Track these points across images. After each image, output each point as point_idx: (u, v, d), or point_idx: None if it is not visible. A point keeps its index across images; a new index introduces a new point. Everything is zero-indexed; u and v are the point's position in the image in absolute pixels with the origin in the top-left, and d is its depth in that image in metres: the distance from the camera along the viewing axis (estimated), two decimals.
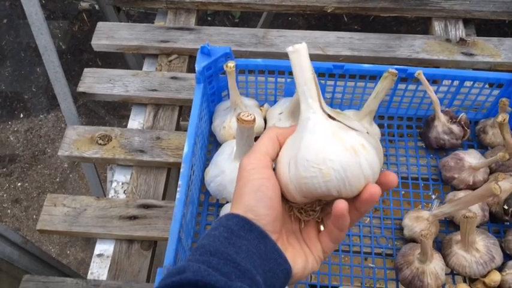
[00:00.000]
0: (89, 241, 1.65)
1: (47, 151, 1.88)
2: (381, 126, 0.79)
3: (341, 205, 0.39)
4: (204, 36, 0.95)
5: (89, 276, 0.70)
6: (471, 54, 0.90)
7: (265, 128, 0.77)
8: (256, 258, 0.38)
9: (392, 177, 0.41)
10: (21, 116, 1.94)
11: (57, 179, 1.84)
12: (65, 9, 2.13)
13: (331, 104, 0.81)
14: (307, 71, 0.41)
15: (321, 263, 0.44)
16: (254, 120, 0.58)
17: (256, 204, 0.40)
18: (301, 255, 0.43)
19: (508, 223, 0.69)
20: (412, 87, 0.76)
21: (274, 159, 0.43)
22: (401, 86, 0.76)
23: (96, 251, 0.73)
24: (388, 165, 0.76)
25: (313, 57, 0.94)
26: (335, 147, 0.38)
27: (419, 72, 0.70)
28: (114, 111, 1.92)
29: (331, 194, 0.39)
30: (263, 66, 0.74)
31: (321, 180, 0.38)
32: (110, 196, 0.78)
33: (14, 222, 1.70)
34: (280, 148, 0.43)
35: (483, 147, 0.76)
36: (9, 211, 1.73)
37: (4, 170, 1.82)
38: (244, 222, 0.39)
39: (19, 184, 1.80)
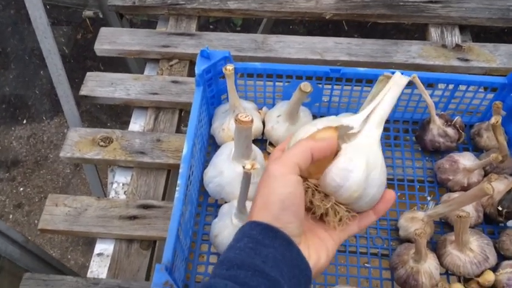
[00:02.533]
0: (90, 245, 1.66)
1: (50, 156, 1.90)
2: None
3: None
4: (204, 42, 0.97)
5: (89, 275, 0.71)
6: (467, 60, 0.91)
7: (263, 131, 0.78)
8: (283, 266, 0.38)
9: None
10: (25, 121, 1.96)
11: (60, 184, 1.85)
12: (69, 17, 2.16)
13: (328, 108, 0.82)
14: (394, 101, 0.50)
15: (339, 245, 0.46)
16: (252, 121, 0.59)
17: (283, 213, 0.40)
18: (323, 249, 0.43)
19: (502, 224, 0.70)
20: (407, 91, 0.77)
21: (303, 171, 0.43)
22: None
23: (96, 250, 0.74)
24: None
25: (311, 62, 0.96)
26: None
27: (414, 76, 0.72)
28: (116, 117, 1.94)
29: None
30: (261, 70, 0.76)
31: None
32: (110, 197, 0.79)
33: (15, 227, 1.71)
34: (313, 161, 0.43)
35: (478, 150, 0.77)
36: (11, 216, 1.75)
37: (7, 175, 1.84)
38: (268, 230, 0.39)
39: (21, 189, 1.82)
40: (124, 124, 1.91)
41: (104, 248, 0.74)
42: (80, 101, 0.92)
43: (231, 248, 0.40)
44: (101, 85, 0.91)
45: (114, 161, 0.82)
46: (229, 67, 0.70)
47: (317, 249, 0.43)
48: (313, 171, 0.46)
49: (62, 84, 0.86)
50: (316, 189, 0.45)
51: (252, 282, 0.36)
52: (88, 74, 0.93)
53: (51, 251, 1.68)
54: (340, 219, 0.45)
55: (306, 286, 0.41)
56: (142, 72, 0.99)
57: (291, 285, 0.38)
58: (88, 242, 1.65)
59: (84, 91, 0.90)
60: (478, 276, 0.62)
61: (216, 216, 0.70)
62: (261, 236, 0.39)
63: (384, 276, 0.67)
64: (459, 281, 0.65)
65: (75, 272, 1.02)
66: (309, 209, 0.46)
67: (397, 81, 0.49)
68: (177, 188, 0.62)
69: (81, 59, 2.04)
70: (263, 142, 0.80)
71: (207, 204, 0.74)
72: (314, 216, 0.46)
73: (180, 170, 0.64)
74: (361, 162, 0.44)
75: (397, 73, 0.49)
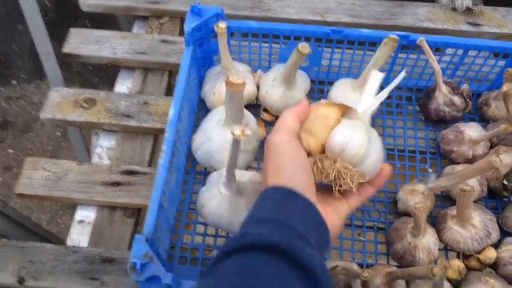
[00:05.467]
0: None
1: (40, 119, 1.84)
2: None
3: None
4: None
5: (69, 243, 0.68)
6: (477, 25, 0.85)
7: (257, 96, 0.73)
8: (308, 224, 0.41)
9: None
10: (15, 82, 1.90)
11: (50, 148, 1.81)
12: None
13: (328, 72, 0.77)
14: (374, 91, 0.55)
15: (345, 218, 0.49)
16: (244, 83, 0.55)
17: (295, 172, 0.44)
18: (334, 216, 0.46)
19: (507, 199, 0.66)
20: (413, 56, 0.72)
21: (296, 134, 0.48)
22: (402, 54, 0.72)
23: (77, 217, 0.70)
24: (385, 137, 0.73)
25: (311, 23, 0.90)
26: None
27: (422, 40, 0.67)
28: (107, 79, 1.87)
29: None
30: (257, 29, 0.70)
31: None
32: (93, 161, 0.75)
33: (4, 190, 1.68)
34: (301, 124, 0.48)
35: (485, 121, 0.73)
36: (0, 178, 1.71)
37: None
38: (290, 193, 0.42)
39: (11, 151, 1.77)
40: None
41: (85, 215, 0.70)
42: (66, 60, 0.86)
43: (256, 207, 0.42)
44: (85, 43, 0.85)
45: (97, 124, 0.77)
46: (222, 25, 0.64)
47: (328, 216, 0.45)
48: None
49: (42, 41, 0.80)
50: (320, 158, 0.48)
51: (283, 232, 0.37)
52: (72, 30, 0.87)
53: (40, 214, 1.66)
54: (352, 178, 0.47)
55: (326, 247, 0.44)
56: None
57: (316, 243, 0.40)
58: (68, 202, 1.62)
59: (67, 48, 0.84)
60: (479, 252, 0.59)
61: (204, 184, 0.66)
62: (284, 199, 0.42)
63: (379, 251, 0.63)
64: (458, 257, 0.61)
65: (59, 238, 0.99)
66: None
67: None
68: (161, 154, 0.58)
69: (68, 15, 1.95)
70: (257, 107, 0.75)
71: (195, 172, 0.70)
72: (324, 188, 0.50)
73: (166, 135, 0.59)
74: (361, 126, 0.49)
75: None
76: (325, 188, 0.50)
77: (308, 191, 0.44)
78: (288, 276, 0.34)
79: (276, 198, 0.42)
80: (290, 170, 0.44)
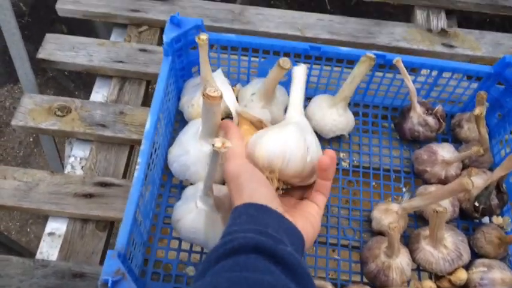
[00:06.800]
0: None
1: (12, 124, 1.79)
2: (356, 114, 0.76)
3: (325, 160, 0.50)
4: (177, 8, 0.90)
5: (38, 256, 0.66)
6: (451, 46, 0.88)
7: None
8: (282, 232, 0.43)
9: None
10: None
11: (21, 154, 1.76)
12: None
13: (306, 88, 0.77)
14: (303, 89, 0.63)
15: (320, 219, 0.52)
16: (221, 96, 0.54)
17: (256, 187, 0.47)
18: (305, 222, 0.49)
19: (478, 221, 0.67)
20: (389, 75, 0.73)
21: (245, 156, 0.53)
22: (379, 73, 0.73)
23: (47, 230, 0.68)
24: (361, 155, 0.73)
25: (290, 39, 0.91)
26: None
27: (398, 60, 0.68)
28: (84, 86, 1.84)
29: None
30: (236, 42, 0.70)
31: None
32: (66, 172, 0.73)
33: None
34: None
35: (458, 142, 0.74)
36: None
37: None
38: (260, 207, 0.45)
39: None
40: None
41: (56, 227, 0.68)
42: (41, 66, 0.84)
43: (231, 224, 0.44)
44: (61, 48, 0.83)
45: (71, 133, 0.75)
46: (203, 36, 0.64)
47: (303, 225, 0.47)
48: None
49: (15, 45, 0.78)
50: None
51: (263, 237, 0.40)
52: (47, 35, 0.85)
53: (10, 223, 1.60)
54: (277, 188, 0.53)
55: (302, 250, 0.46)
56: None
57: (292, 248, 0.42)
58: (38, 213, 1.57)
59: (42, 54, 0.82)
60: (451, 273, 0.59)
61: (179, 198, 0.66)
62: (256, 213, 0.44)
63: (353, 269, 0.64)
64: (430, 278, 0.62)
65: (28, 249, 0.96)
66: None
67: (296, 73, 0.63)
68: (137, 167, 0.57)
69: (44, 19, 1.91)
70: None
71: (170, 185, 0.69)
72: (291, 197, 0.56)
73: (142, 147, 0.58)
74: (269, 136, 0.54)
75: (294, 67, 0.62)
76: (292, 197, 0.55)
77: (274, 203, 0.46)
78: (275, 271, 0.38)
79: (249, 213, 0.44)
80: (251, 187, 0.47)
